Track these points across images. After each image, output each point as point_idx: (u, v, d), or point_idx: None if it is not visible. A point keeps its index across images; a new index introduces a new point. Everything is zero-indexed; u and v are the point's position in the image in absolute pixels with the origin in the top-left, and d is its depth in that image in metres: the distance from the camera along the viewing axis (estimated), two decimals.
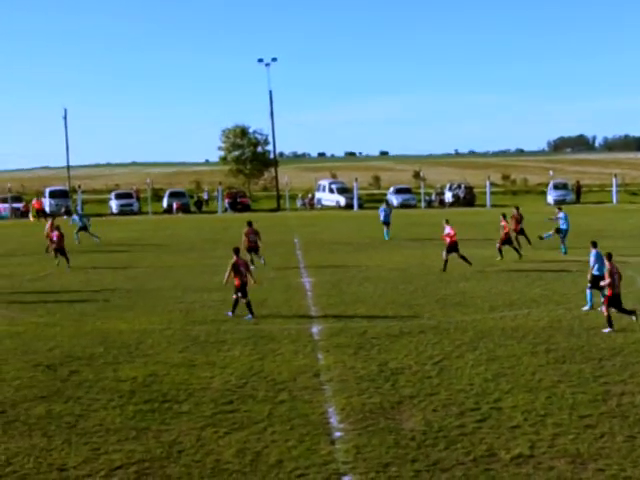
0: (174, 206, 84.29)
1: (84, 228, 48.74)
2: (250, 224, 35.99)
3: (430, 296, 27.29)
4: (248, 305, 24.13)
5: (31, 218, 76.58)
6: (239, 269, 24.16)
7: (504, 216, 36.59)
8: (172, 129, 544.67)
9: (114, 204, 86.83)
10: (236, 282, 24.16)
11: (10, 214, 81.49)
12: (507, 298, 26.54)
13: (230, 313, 24.21)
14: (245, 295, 24.14)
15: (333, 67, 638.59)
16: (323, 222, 66.39)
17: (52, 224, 41.18)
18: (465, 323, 22.71)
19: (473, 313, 24.21)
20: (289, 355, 19.40)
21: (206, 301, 26.75)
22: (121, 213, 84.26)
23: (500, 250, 35.80)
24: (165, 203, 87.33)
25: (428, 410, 14.95)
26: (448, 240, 33.14)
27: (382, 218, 50.15)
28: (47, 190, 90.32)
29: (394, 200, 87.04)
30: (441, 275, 31.87)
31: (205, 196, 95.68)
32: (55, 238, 38.45)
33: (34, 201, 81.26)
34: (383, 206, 51.89)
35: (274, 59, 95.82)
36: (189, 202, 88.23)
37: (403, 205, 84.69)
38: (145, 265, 38.31)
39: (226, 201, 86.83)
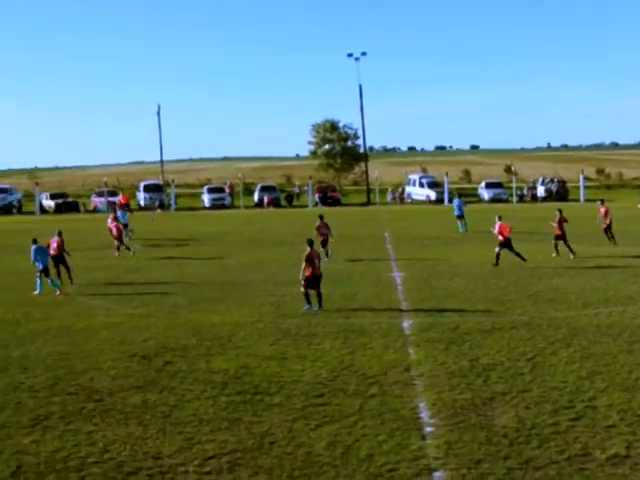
0: (265, 200, 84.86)
1: (125, 225, 49.71)
2: (321, 218, 37.34)
3: (522, 292, 26.98)
4: (306, 296, 24.45)
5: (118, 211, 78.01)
6: (313, 261, 24.46)
7: (560, 211, 35.90)
8: (263, 124, 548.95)
9: (206, 198, 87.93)
10: (307, 272, 24.39)
11: (107, 208, 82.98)
12: (602, 294, 26.09)
13: (319, 308, 24.37)
14: (310, 287, 24.40)
15: (423, 60, 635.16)
16: (413, 216, 66.16)
17: (114, 217, 43.40)
18: (558, 320, 22.39)
19: (566, 309, 23.85)
20: (380, 349, 19.37)
21: (297, 294, 26.78)
22: (213, 207, 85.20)
23: (556, 246, 35.18)
24: (256, 197, 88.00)
25: (521, 407, 14.78)
26: (501, 237, 32.76)
27: (456, 212, 50.09)
28: (141, 184, 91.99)
29: (485, 194, 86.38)
30: (533, 270, 31.45)
31: (296, 190, 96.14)
32: (115, 230, 41.23)
33: (120, 196, 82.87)
34: (456, 199, 51.76)
35: (364, 53, 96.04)
36: (280, 196, 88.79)
37: (494, 200, 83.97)
38: (237, 258, 38.66)
39: (316, 195, 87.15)
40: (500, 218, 33.49)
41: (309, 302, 24.39)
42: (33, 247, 28.93)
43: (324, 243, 36.43)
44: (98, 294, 28.50)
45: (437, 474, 11.88)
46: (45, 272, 28.73)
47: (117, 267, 36.22)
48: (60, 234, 31.30)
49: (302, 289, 24.50)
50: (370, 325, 22.07)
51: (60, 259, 30.82)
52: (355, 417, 14.40)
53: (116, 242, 41.11)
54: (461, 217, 50.01)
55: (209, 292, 28.45)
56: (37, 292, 28.42)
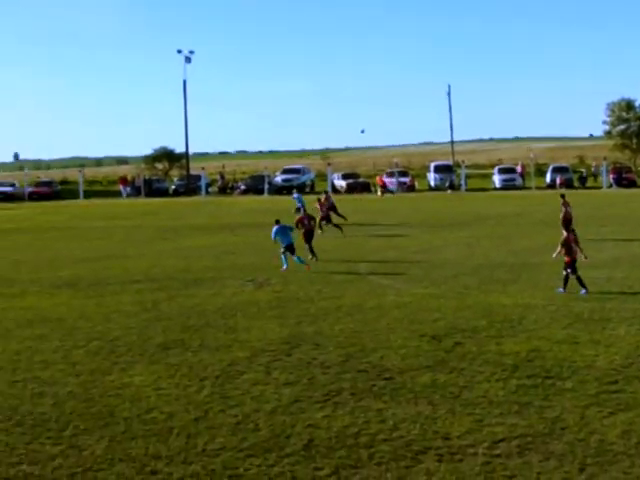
0: (557, 181, 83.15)
1: (299, 209, 48.93)
2: (563, 197, 37.44)
3: None
4: (579, 280, 23.89)
5: (379, 193, 78.91)
6: (570, 245, 24.00)
7: None
8: (555, 103, 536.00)
9: (497, 179, 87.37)
10: (566, 258, 24.02)
11: (397, 188, 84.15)
12: None
13: (562, 289, 23.99)
14: (575, 271, 23.91)
15: None
16: None
17: (327, 197, 45.38)
18: None
19: None
20: None
21: (592, 278, 25.88)
22: (504, 188, 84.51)
23: None
24: (548, 178, 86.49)
25: None
26: None
27: None
28: (432, 165, 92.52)
29: None
30: None
31: (593, 170, 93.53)
32: (323, 209, 43.08)
33: (378, 178, 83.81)
34: None
35: None
36: (573, 177, 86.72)
37: None
38: (527, 240, 38.17)
39: (611, 176, 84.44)
40: None
41: (584, 286, 23.85)
42: (275, 227, 30.36)
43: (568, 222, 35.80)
44: (388, 273, 28.96)
45: None
46: (289, 249, 29.96)
47: (407, 247, 36.67)
48: (298, 210, 33.00)
49: (572, 275, 23.91)
50: None
51: (308, 236, 32.33)
52: None
53: (321, 221, 42.45)
54: None
55: (499, 273, 28.23)
56: (284, 268, 29.67)
